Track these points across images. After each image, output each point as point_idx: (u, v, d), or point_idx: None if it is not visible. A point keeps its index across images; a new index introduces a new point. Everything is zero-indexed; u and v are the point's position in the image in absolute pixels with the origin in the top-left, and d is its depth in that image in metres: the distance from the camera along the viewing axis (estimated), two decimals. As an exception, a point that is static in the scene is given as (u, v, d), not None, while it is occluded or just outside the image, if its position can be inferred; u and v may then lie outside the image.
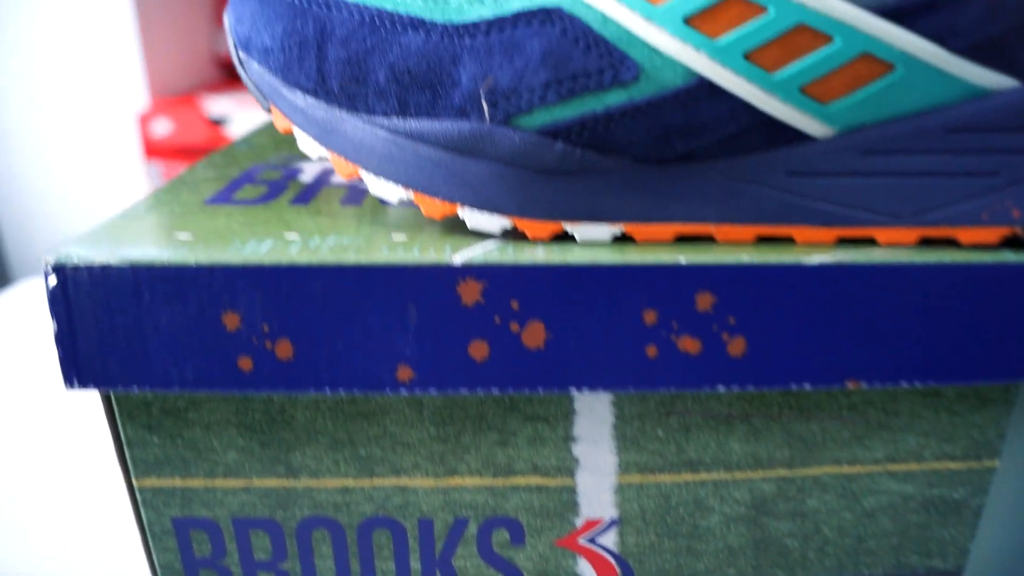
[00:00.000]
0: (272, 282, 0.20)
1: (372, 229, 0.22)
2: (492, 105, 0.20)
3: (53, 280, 0.20)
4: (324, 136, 0.22)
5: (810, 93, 0.20)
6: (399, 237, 0.21)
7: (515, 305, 0.20)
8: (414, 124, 0.20)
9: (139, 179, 0.57)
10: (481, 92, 0.20)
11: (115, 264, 0.20)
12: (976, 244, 0.22)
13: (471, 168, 0.20)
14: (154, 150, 0.56)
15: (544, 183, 0.20)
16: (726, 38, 0.19)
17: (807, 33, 0.19)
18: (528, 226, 0.21)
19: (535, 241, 0.21)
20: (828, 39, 0.19)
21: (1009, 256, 0.21)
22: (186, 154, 0.56)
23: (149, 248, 0.20)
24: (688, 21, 0.19)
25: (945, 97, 0.20)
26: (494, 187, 0.20)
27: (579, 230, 0.21)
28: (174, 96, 0.58)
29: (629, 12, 0.19)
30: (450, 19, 0.20)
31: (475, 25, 0.20)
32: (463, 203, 0.21)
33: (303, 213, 0.23)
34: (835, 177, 0.21)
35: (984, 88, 0.20)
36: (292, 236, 0.21)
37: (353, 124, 0.21)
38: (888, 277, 0.21)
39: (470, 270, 0.20)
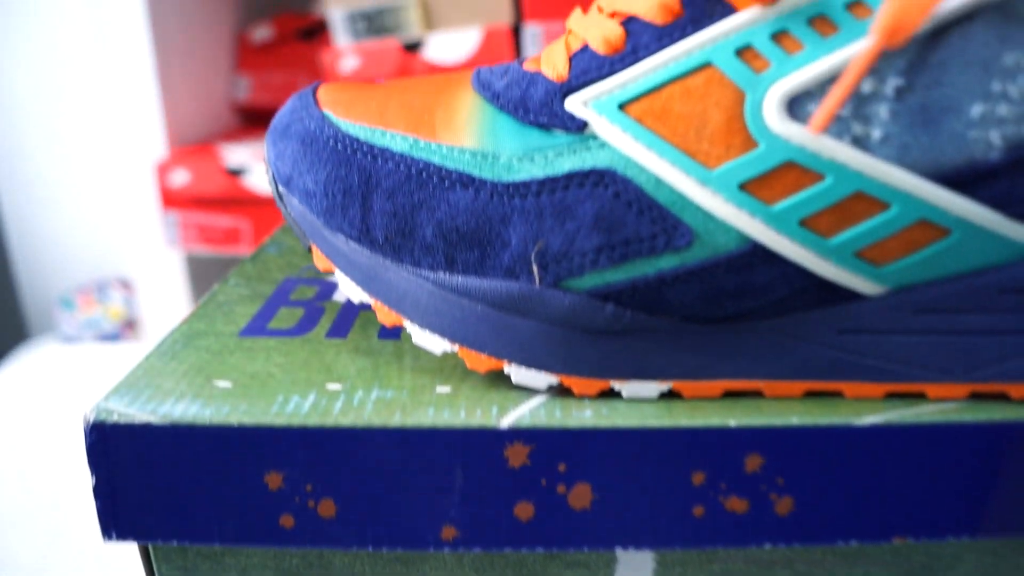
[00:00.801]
0: (316, 443, 0.19)
1: (415, 378, 0.21)
2: (543, 268, 0.19)
3: (92, 436, 0.20)
4: (367, 282, 0.21)
5: (865, 256, 0.20)
6: (443, 389, 0.21)
7: (562, 468, 0.20)
8: (461, 280, 0.20)
9: (156, 229, 0.56)
10: (532, 255, 0.19)
11: (155, 423, 0.19)
12: (1026, 399, 0.21)
13: (518, 326, 0.20)
14: (171, 200, 0.55)
15: (592, 342, 0.20)
16: (782, 204, 0.19)
17: (864, 200, 0.19)
18: (575, 383, 0.20)
19: (582, 397, 0.21)
20: (885, 206, 0.19)
21: (1060, 411, 0.21)
22: (203, 204, 0.55)
23: (188, 402, 0.20)
24: (743, 187, 0.19)
25: (1000, 258, 0.20)
26: (541, 345, 0.20)
27: (627, 388, 0.21)
28: (192, 145, 0.57)
29: (683, 176, 0.19)
30: (500, 177, 0.20)
31: (525, 185, 0.20)
32: (509, 360, 0.20)
33: (342, 352, 0.23)
34: (886, 334, 0.21)
35: (1040, 249, 0.20)
36: (334, 387, 0.21)
37: (397, 274, 0.21)
38: (937, 436, 0.20)
39: (518, 433, 0.19)
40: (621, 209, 0.19)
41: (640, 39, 0.20)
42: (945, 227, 0.19)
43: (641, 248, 0.19)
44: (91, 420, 0.20)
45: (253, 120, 0.65)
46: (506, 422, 0.19)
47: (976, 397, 0.21)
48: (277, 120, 0.23)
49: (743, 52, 0.19)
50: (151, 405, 0.20)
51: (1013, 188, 0.19)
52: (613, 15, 0.21)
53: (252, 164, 0.54)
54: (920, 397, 0.21)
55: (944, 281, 0.20)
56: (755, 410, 0.20)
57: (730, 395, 0.21)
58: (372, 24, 0.58)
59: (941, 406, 0.21)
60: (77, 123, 0.77)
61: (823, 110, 0.17)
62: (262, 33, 0.63)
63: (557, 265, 0.19)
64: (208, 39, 0.60)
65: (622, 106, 0.19)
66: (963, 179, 0.19)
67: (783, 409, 0.20)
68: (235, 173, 0.54)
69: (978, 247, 0.20)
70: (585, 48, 0.20)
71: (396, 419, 0.19)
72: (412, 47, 0.57)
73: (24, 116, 0.79)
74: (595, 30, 0.20)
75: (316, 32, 0.63)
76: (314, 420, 0.19)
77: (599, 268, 0.19)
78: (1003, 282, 0.20)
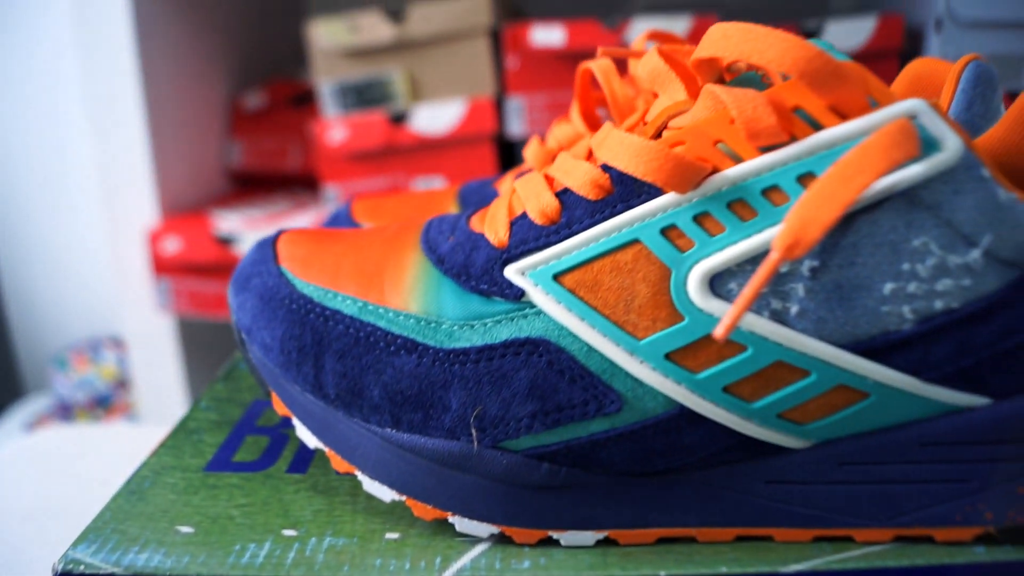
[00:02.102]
0: (269, 595, 0.21)
1: (367, 522, 0.22)
2: (481, 431, 0.21)
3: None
4: (321, 432, 0.22)
5: (787, 417, 0.21)
6: (393, 536, 0.22)
7: (502, 617, 0.21)
8: (407, 438, 0.21)
9: (149, 293, 0.58)
10: (471, 420, 0.21)
11: (119, 574, 0.21)
12: (951, 541, 0.22)
13: (461, 481, 0.21)
14: (163, 267, 0.57)
15: (530, 496, 0.21)
16: (706, 373, 0.20)
17: (784, 368, 0.20)
18: (515, 533, 0.22)
19: (522, 546, 0.22)
20: (805, 373, 0.20)
21: (981, 554, 0.22)
22: (195, 271, 0.57)
23: (151, 551, 0.21)
24: (669, 356, 0.20)
25: (919, 415, 0.21)
26: (482, 499, 0.21)
27: (565, 537, 0.22)
28: (185, 210, 0.59)
29: (613, 345, 0.20)
30: (442, 344, 0.21)
31: (465, 352, 0.21)
32: (453, 511, 0.21)
33: (301, 490, 0.24)
34: (811, 484, 0.22)
35: (958, 405, 0.21)
36: (290, 533, 0.22)
37: (349, 427, 0.22)
38: (864, 580, 0.21)
39: (459, 586, 0.20)
40: (554, 377, 0.20)
41: (574, 212, 0.21)
42: (863, 391, 0.20)
43: (573, 414, 0.20)
44: (59, 570, 0.21)
45: (245, 185, 0.67)
46: (448, 575, 0.20)
47: (901, 540, 0.22)
48: (239, 270, 0.24)
49: (668, 231, 0.20)
50: (115, 556, 0.21)
51: (926, 356, 0.20)
52: (551, 183, 0.22)
53: (242, 232, 0.55)
54: (848, 541, 0.22)
55: (866, 436, 0.21)
56: (687, 558, 0.21)
57: (665, 541, 0.22)
58: (361, 96, 0.60)
59: (868, 550, 0.22)
60: (73, 187, 0.79)
61: (727, 319, 0.18)
62: (255, 100, 0.64)
63: (494, 429, 0.21)
64: (201, 105, 0.62)
65: (557, 276, 0.21)
66: (878, 349, 0.20)
67: (714, 556, 0.21)
68: (225, 242, 0.56)
69: (896, 407, 0.21)
70: (524, 215, 0.22)
71: (344, 571, 0.21)
72: (398, 118, 0.58)
73: (22, 179, 0.81)
74: (533, 200, 0.22)
75: (307, 99, 0.65)
76: (268, 572, 0.21)
77: (534, 432, 0.21)
78: (923, 436, 0.21)
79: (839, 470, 0.22)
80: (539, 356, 0.20)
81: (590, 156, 0.24)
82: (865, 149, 0.18)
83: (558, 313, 0.20)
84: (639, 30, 0.59)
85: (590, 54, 0.59)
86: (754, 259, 0.19)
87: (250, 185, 0.67)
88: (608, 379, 0.20)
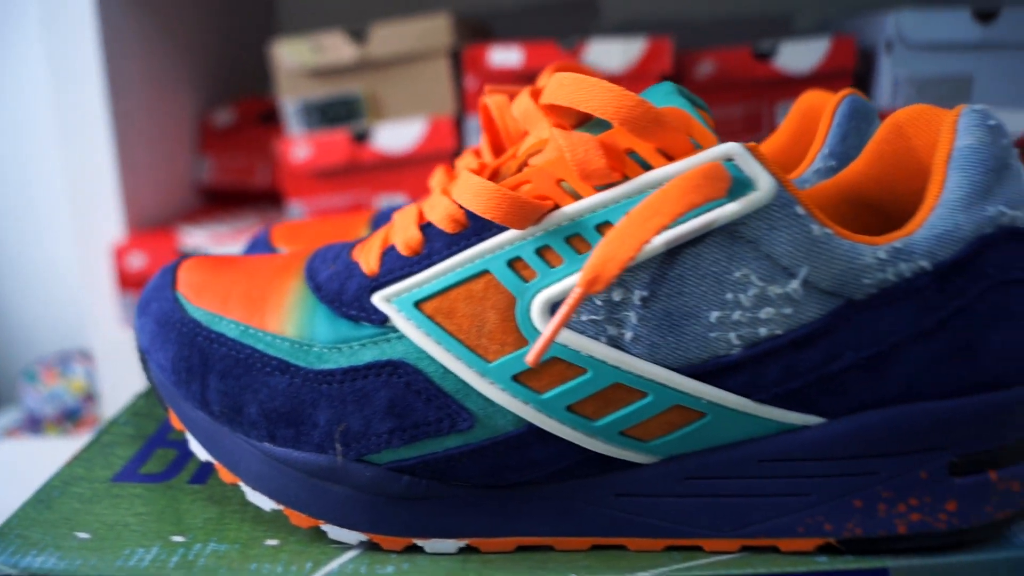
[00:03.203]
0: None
1: (252, 530, 0.24)
2: (345, 445, 0.22)
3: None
4: (210, 446, 0.24)
5: (630, 435, 0.22)
6: (272, 542, 0.24)
7: (366, 619, 0.22)
8: (282, 452, 0.23)
9: (116, 310, 0.60)
10: (336, 435, 0.22)
11: (14, 574, 0.22)
12: (795, 551, 0.24)
13: (332, 491, 0.23)
14: (129, 282, 0.59)
15: (395, 506, 0.23)
16: (551, 393, 0.22)
17: (622, 390, 0.22)
18: (382, 540, 0.23)
19: (389, 552, 0.23)
20: (642, 394, 0.22)
21: (823, 563, 0.23)
22: (162, 285, 0.59)
23: (48, 554, 0.23)
24: (516, 378, 0.22)
25: (756, 433, 0.23)
26: (351, 508, 0.23)
27: (428, 544, 0.23)
28: (152, 226, 0.61)
29: (466, 368, 0.22)
30: (312, 365, 0.23)
31: (331, 373, 0.22)
32: (325, 520, 0.23)
33: (198, 500, 0.26)
34: (659, 497, 0.23)
35: (793, 424, 0.22)
36: (178, 539, 0.24)
37: (232, 441, 0.24)
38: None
39: (325, 590, 0.22)
40: (411, 397, 0.22)
41: (434, 245, 0.23)
42: (699, 411, 0.22)
43: (429, 431, 0.22)
44: (-38, 570, 0.23)
45: (214, 201, 0.69)
46: (315, 580, 0.22)
47: (748, 550, 0.24)
48: (143, 295, 0.26)
49: (514, 263, 0.22)
50: (15, 559, 0.23)
51: (756, 378, 0.22)
52: (421, 216, 0.24)
53: (207, 247, 0.57)
54: (698, 550, 0.24)
55: (708, 452, 0.23)
56: (540, 565, 0.23)
57: (524, 549, 0.24)
58: (325, 115, 0.62)
59: (715, 559, 0.23)
60: (43, 201, 0.81)
61: (537, 346, 0.20)
62: (224, 116, 0.67)
63: (358, 443, 0.22)
64: (170, 121, 0.64)
65: (418, 304, 0.22)
66: (710, 372, 0.22)
67: (568, 564, 0.23)
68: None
69: (732, 426, 0.22)
70: (393, 247, 0.23)
71: (221, 574, 0.22)
72: (361, 137, 0.60)
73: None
74: (400, 233, 0.23)
75: (276, 117, 0.67)
76: (150, 574, 0.22)
77: (393, 447, 0.22)
78: (761, 453, 0.23)
79: (684, 484, 0.23)
80: (398, 377, 0.22)
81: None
82: (665, 192, 0.19)
83: (418, 338, 0.22)
84: (595, 52, 0.60)
85: (547, 74, 0.61)
86: (590, 289, 0.21)
87: (219, 201, 0.69)
88: (461, 399, 0.22)
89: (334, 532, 0.23)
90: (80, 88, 0.55)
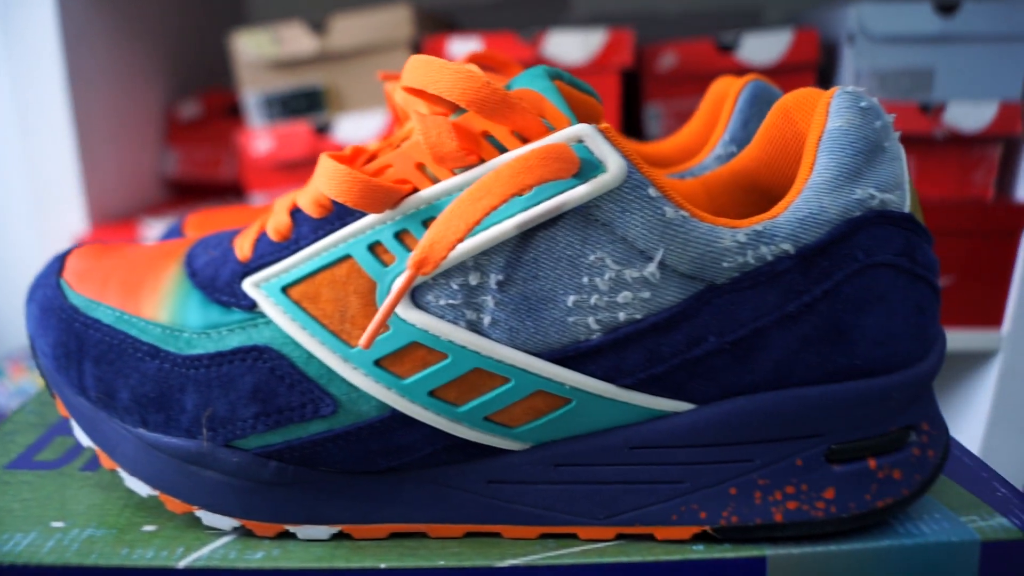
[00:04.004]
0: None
1: (132, 516, 0.24)
2: (212, 430, 0.22)
3: None
4: (90, 431, 0.24)
5: (495, 420, 0.22)
6: (150, 528, 0.24)
7: (235, 604, 0.22)
8: (154, 437, 0.23)
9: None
10: (203, 420, 0.22)
11: None
12: (671, 540, 0.23)
13: (203, 476, 0.23)
14: (95, 274, 0.59)
15: (266, 491, 0.23)
16: (413, 378, 0.22)
17: (484, 375, 0.22)
18: (254, 526, 0.23)
19: (262, 538, 0.23)
20: (504, 380, 0.22)
21: (700, 551, 0.23)
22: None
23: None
24: (378, 363, 0.22)
25: (625, 419, 0.22)
26: (223, 494, 0.23)
27: (300, 530, 0.23)
28: (115, 220, 0.61)
29: (330, 353, 0.22)
30: (181, 350, 0.23)
31: (198, 358, 0.22)
32: (198, 505, 0.23)
33: (86, 487, 0.26)
34: (531, 484, 0.23)
35: (662, 411, 0.22)
36: (57, 524, 0.24)
37: (109, 426, 0.24)
38: (583, 575, 0.23)
39: (193, 573, 0.22)
40: (275, 382, 0.22)
41: (301, 230, 0.23)
42: (564, 396, 0.22)
43: (292, 416, 0.22)
44: None
45: (181, 193, 0.69)
46: (183, 563, 0.22)
47: (624, 538, 0.24)
48: (33, 282, 0.26)
49: (374, 247, 0.22)
50: None
51: (619, 363, 0.21)
52: (292, 204, 0.24)
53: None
54: (572, 537, 0.24)
55: (578, 439, 0.23)
56: (411, 552, 0.23)
57: (398, 536, 0.24)
58: (286, 107, 0.62)
59: (589, 547, 0.23)
60: (6, 194, 0.81)
61: (368, 331, 0.20)
62: (190, 109, 0.67)
63: (224, 429, 0.22)
64: (135, 114, 0.64)
65: (285, 289, 0.22)
66: (571, 357, 0.21)
67: (440, 550, 0.23)
68: (154, 249, 0.58)
69: (599, 412, 0.22)
70: (265, 233, 0.23)
71: (91, 559, 0.22)
72: (322, 129, 0.60)
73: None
74: (273, 219, 0.23)
75: (241, 109, 0.67)
76: (24, 559, 0.22)
77: (259, 432, 0.22)
78: (630, 440, 0.22)
79: (555, 471, 0.23)
80: (263, 362, 0.22)
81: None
82: (496, 174, 0.19)
83: (284, 323, 0.22)
84: (555, 44, 0.60)
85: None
86: (447, 273, 0.21)
87: (185, 194, 0.69)
88: (325, 384, 0.22)
89: (208, 518, 0.23)
90: (40, 81, 0.56)
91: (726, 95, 0.31)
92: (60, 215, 0.58)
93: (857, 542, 0.23)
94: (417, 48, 0.62)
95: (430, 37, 0.60)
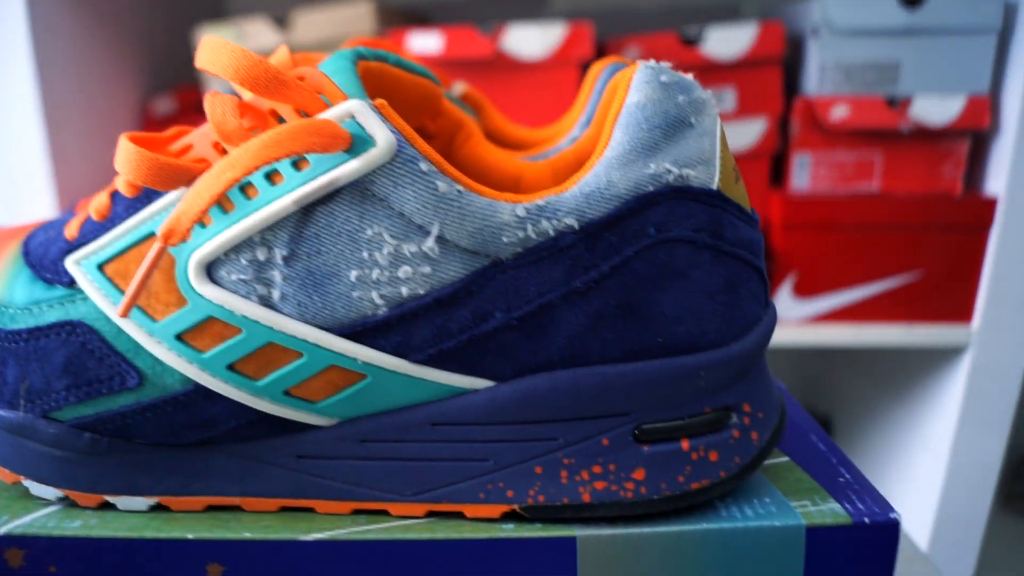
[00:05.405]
0: None
1: (-28, 486, 0.25)
2: (30, 402, 0.23)
3: None
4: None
5: (295, 395, 0.22)
6: (-15, 496, 0.25)
7: (53, 569, 0.23)
8: (-16, 408, 0.24)
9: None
10: (21, 392, 0.23)
11: None
12: (481, 518, 0.23)
13: (27, 448, 0.24)
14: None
15: (85, 463, 0.24)
16: (211, 352, 0.22)
17: (278, 350, 0.22)
18: (77, 496, 0.24)
19: (85, 508, 0.24)
20: (298, 355, 0.22)
21: (509, 530, 0.23)
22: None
23: None
24: (180, 337, 0.22)
25: (424, 396, 0.22)
26: (46, 464, 0.24)
27: (120, 501, 0.24)
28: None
29: (137, 327, 0.22)
30: (5, 325, 0.24)
31: (18, 333, 0.23)
32: (24, 475, 0.24)
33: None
34: (339, 460, 0.23)
35: (464, 388, 0.22)
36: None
37: (-49, 398, 0.25)
38: (389, 552, 0.23)
39: (13, 540, 0.23)
40: (85, 356, 0.23)
41: (117, 209, 0.23)
42: (358, 372, 0.22)
43: (101, 388, 0.23)
44: None
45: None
46: (3, 530, 0.23)
47: (435, 515, 0.24)
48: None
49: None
50: None
51: (408, 339, 0.22)
52: (113, 185, 0.24)
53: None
54: (384, 514, 0.24)
55: (382, 415, 0.23)
56: (223, 524, 0.23)
57: (215, 509, 0.24)
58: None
59: (397, 523, 0.23)
60: None
61: (125, 298, 0.20)
62: (165, 105, 0.69)
63: (41, 400, 0.23)
64: (108, 110, 0.66)
65: (101, 266, 0.23)
66: (360, 332, 0.22)
67: (251, 523, 0.23)
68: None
69: (397, 388, 0.22)
70: (90, 214, 0.24)
71: (-78, 525, 0.23)
72: (284, 124, 0.62)
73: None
74: (95, 201, 0.24)
75: (216, 108, 0.69)
76: None
77: (71, 404, 0.23)
78: (432, 416, 0.23)
79: (362, 447, 0.23)
80: (76, 336, 0.23)
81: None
82: (246, 147, 0.19)
83: (98, 299, 0.23)
84: (515, 37, 0.60)
85: (468, 61, 0.61)
86: (236, 248, 0.21)
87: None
88: (132, 358, 0.23)
89: (35, 488, 0.24)
90: (9, 77, 0.58)
91: (592, 77, 0.31)
92: (30, 211, 0.60)
93: (672, 524, 0.23)
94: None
95: (390, 31, 0.61)
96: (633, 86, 0.22)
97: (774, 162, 0.64)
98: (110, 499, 0.24)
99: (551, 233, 0.21)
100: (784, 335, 0.60)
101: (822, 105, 0.58)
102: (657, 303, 0.21)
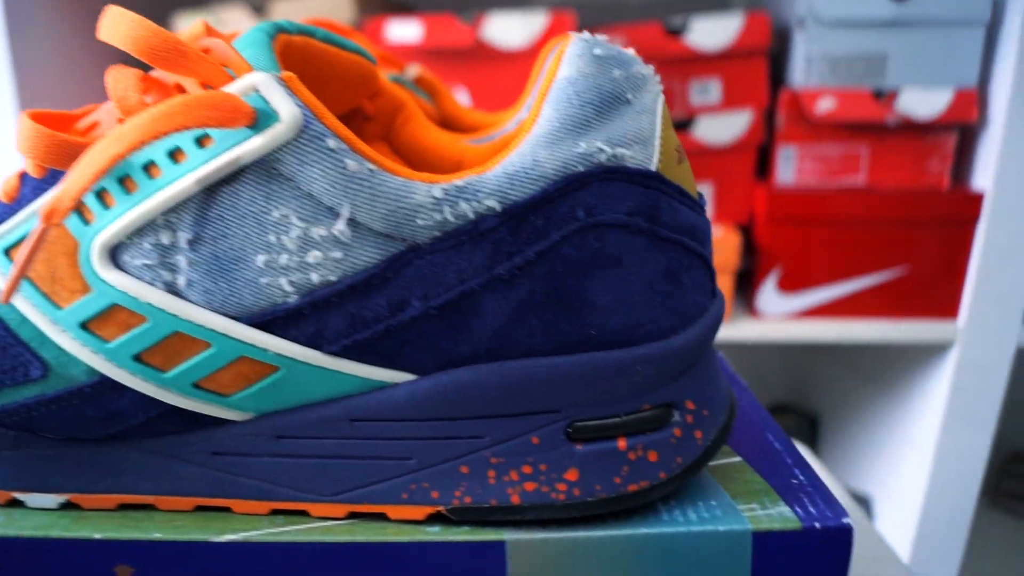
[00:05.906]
0: None
1: None
2: (-66, 393, 0.22)
3: None
4: None
5: (205, 387, 0.21)
6: None
7: (-45, 570, 0.22)
8: None
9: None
10: (-79, 382, 0.22)
11: None
12: (404, 520, 0.22)
13: (-66, 441, 0.23)
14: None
15: (-8, 457, 0.22)
16: (117, 341, 0.21)
17: (185, 339, 0.21)
18: (-16, 493, 0.23)
19: (-6, 505, 0.23)
20: (206, 345, 0.21)
21: (435, 533, 0.22)
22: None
23: None
24: (85, 325, 0.21)
25: (342, 390, 0.21)
26: (-49, 459, 0.23)
27: (28, 498, 0.23)
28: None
29: (41, 315, 0.21)
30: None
31: (-78, 321, 0.22)
32: (-68, 470, 0.23)
33: None
34: (255, 457, 0.22)
35: (384, 382, 0.21)
36: None
37: None
38: (307, 554, 0.21)
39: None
40: (-12, 345, 0.22)
41: (25, 191, 0.22)
42: (270, 363, 0.21)
43: (4, 379, 0.21)
44: None
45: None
46: (-96, 528, 0.22)
47: (357, 517, 0.22)
48: None
49: (79, 206, 0.21)
50: None
51: (321, 328, 0.20)
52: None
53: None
54: (303, 515, 0.22)
55: (299, 410, 0.21)
56: (134, 524, 0.22)
57: (128, 507, 0.23)
58: (226, 93, 0.62)
59: (316, 524, 0.22)
60: None
61: (6, 282, 0.19)
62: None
63: (-55, 391, 0.22)
64: (86, 101, 0.65)
65: (8, 251, 0.22)
66: (270, 321, 0.20)
67: (163, 523, 0.22)
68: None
69: (312, 381, 0.21)
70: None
71: None
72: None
73: None
74: (4, 182, 0.23)
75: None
76: None
77: (-25, 395, 0.22)
78: (351, 411, 0.21)
79: (278, 443, 0.22)
80: (-21, 325, 0.22)
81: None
82: (133, 121, 0.18)
83: (2, 284, 0.22)
84: (495, 26, 0.59)
85: (449, 50, 0.59)
86: (139, 231, 0.20)
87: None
88: (36, 347, 0.21)
89: (-58, 483, 0.23)
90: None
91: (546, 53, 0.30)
92: None
93: (608, 528, 0.22)
94: (359, 30, 0.62)
95: (369, 19, 0.59)
96: (565, 59, 0.20)
97: (759, 155, 0.62)
98: (18, 496, 0.23)
99: (471, 216, 0.19)
100: (769, 330, 0.58)
101: (808, 97, 0.56)
102: (588, 291, 0.20)
